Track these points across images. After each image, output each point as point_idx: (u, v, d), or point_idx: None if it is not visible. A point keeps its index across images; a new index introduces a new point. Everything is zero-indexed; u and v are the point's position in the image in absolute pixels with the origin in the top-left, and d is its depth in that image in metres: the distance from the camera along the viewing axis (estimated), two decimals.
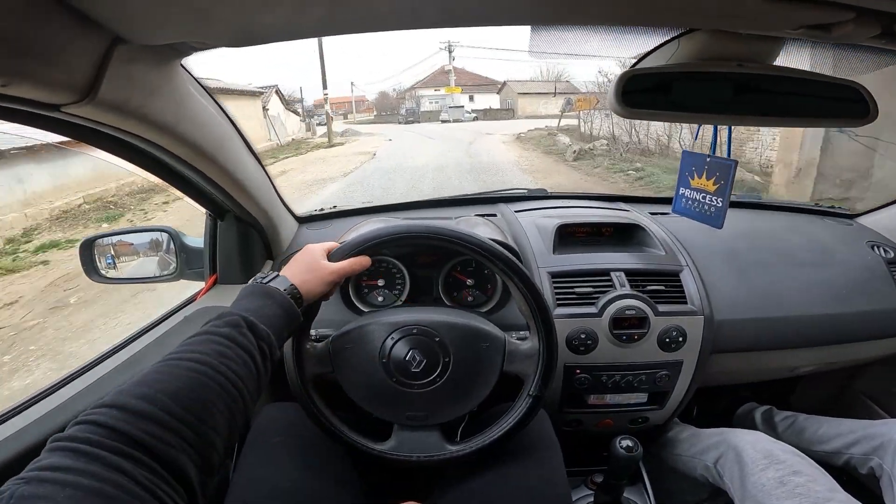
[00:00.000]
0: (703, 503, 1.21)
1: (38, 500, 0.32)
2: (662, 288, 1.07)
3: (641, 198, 1.50)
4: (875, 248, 1.27)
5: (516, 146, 14.78)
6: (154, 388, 0.42)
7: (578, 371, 1.05)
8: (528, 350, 0.78)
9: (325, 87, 18.99)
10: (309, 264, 0.69)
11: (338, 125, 32.50)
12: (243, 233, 1.05)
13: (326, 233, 1.24)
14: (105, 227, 6.17)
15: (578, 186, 7.93)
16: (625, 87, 0.64)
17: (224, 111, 0.82)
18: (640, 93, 0.65)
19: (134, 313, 3.47)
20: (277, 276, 0.66)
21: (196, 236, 1.10)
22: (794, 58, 0.66)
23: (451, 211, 1.36)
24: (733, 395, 1.48)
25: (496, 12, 0.55)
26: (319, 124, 30.74)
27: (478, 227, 1.09)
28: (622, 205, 1.40)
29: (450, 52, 33.86)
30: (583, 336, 1.02)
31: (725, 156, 0.79)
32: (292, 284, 0.65)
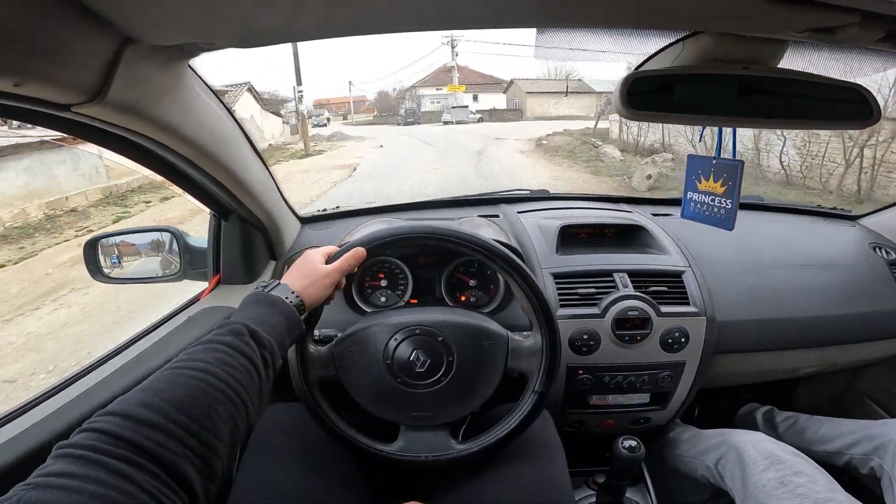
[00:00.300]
0: None
1: None
2: (665, 289, 1.07)
3: (644, 199, 1.51)
4: (877, 249, 1.27)
5: (542, 159, 11.52)
6: (157, 396, 0.43)
7: (581, 372, 1.05)
8: (531, 347, 0.79)
9: (298, 82, 15.99)
10: (308, 270, 0.69)
11: (336, 126, 31.45)
12: (247, 233, 1.06)
13: (329, 233, 1.24)
14: None
15: None
16: (629, 89, 0.64)
17: (230, 112, 0.82)
18: (644, 95, 0.65)
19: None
20: (279, 284, 0.66)
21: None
22: (798, 60, 0.66)
23: (454, 212, 1.36)
24: (734, 395, 1.49)
25: (502, 14, 0.55)
26: (317, 125, 29.24)
27: (481, 227, 1.10)
28: (624, 206, 1.40)
29: (452, 47, 31.41)
30: (585, 337, 1.02)
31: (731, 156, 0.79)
32: (294, 292, 0.65)
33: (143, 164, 0.75)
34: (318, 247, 1.16)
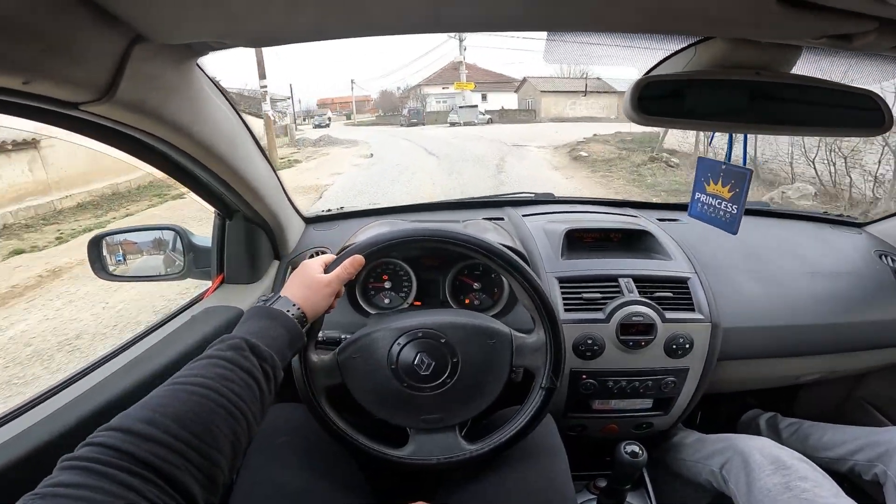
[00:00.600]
0: None
1: None
2: (670, 295, 1.07)
3: (650, 204, 1.50)
4: (883, 257, 1.27)
5: (589, 179, 8.52)
6: (157, 412, 0.44)
7: (584, 376, 1.05)
8: (535, 343, 0.78)
9: (262, 76, 12.88)
10: (308, 281, 0.70)
11: (338, 126, 30.15)
12: (251, 233, 1.05)
13: (333, 233, 1.24)
14: None
15: None
16: (640, 94, 0.64)
17: (237, 111, 0.82)
18: (655, 99, 0.65)
19: None
20: (279, 297, 0.67)
21: None
22: (810, 66, 0.66)
23: (460, 214, 1.36)
24: (738, 401, 1.48)
25: (509, 18, 0.55)
26: (318, 126, 27.90)
27: (487, 232, 1.09)
28: (630, 210, 1.40)
29: (460, 41, 26.90)
30: (589, 341, 1.02)
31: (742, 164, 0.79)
32: (295, 304, 0.66)
33: (151, 162, 0.75)
34: (323, 248, 1.17)
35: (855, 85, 0.65)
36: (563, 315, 1.03)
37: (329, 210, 1.39)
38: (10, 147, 6.73)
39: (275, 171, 1.02)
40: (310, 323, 0.68)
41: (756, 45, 0.58)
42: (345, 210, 1.39)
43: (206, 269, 1.09)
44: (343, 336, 0.90)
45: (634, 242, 1.24)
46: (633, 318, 1.02)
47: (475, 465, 0.78)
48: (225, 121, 0.77)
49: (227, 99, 0.78)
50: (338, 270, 0.71)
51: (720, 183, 0.82)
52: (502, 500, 0.76)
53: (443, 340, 0.77)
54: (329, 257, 0.75)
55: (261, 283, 1.09)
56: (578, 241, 1.22)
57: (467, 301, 1.10)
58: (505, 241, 1.05)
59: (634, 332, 1.02)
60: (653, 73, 0.68)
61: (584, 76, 27.84)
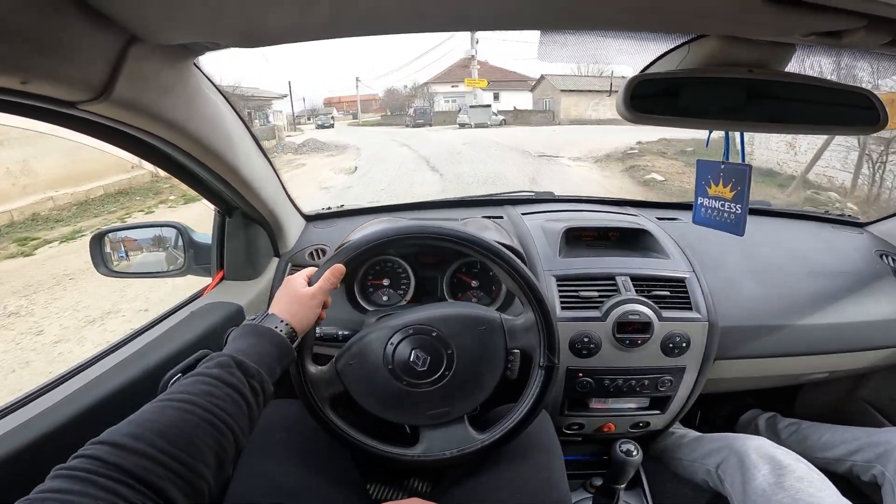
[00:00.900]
0: None
1: None
2: (668, 293, 1.06)
3: (649, 202, 1.50)
4: (883, 256, 1.26)
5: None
6: (144, 426, 0.47)
7: (581, 374, 1.05)
8: (525, 323, 0.79)
9: None
10: (294, 296, 0.71)
11: (338, 127, 28.41)
12: (251, 230, 1.06)
13: (333, 231, 1.25)
14: None
15: None
16: (633, 92, 0.64)
17: (235, 110, 0.83)
18: (648, 98, 0.65)
19: None
20: (268, 315, 0.68)
21: None
22: (805, 64, 0.66)
23: (459, 212, 1.36)
24: (737, 401, 1.47)
25: (506, 16, 0.55)
26: (321, 126, 26.07)
27: (487, 230, 1.09)
28: (629, 209, 1.39)
29: (472, 34, 20.65)
30: (586, 339, 1.02)
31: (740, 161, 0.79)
32: (283, 320, 0.67)
33: (150, 160, 0.76)
34: (322, 245, 1.18)
35: (849, 83, 0.64)
36: (559, 313, 1.03)
37: (329, 207, 1.40)
38: None
39: (274, 170, 1.03)
40: (300, 337, 0.70)
41: (748, 42, 0.58)
42: (345, 208, 1.40)
43: (207, 266, 1.10)
44: (341, 333, 0.91)
45: (633, 241, 1.24)
46: (630, 317, 1.02)
47: (486, 455, 0.78)
48: (223, 119, 0.78)
49: (225, 98, 0.79)
50: (320, 283, 0.73)
51: (721, 183, 0.81)
52: (497, 498, 0.76)
53: (435, 334, 0.77)
54: (311, 270, 0.76)
55: (260, 280, 1.10)
56: (577, 240, 1.22)
57: (465, 299, 1.11)
58: (503, 239, 1.05)
59: (631, 331, 1.02)
60: (646, 71, 0.68)
61: (608, 74, 23.31)
